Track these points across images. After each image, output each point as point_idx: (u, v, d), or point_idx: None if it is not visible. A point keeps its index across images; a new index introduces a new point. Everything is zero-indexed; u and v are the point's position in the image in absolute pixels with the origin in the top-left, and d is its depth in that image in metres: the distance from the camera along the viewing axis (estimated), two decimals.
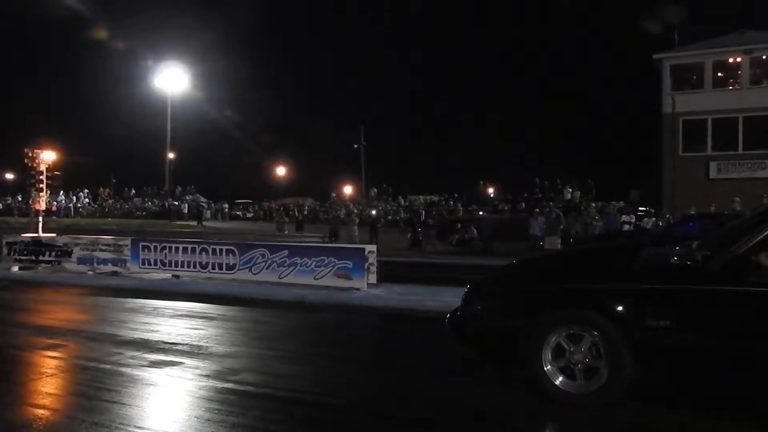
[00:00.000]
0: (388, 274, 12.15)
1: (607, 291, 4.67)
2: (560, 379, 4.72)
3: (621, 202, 29.78)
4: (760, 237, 4.32)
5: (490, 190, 43.52)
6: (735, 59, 30.05)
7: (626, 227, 20.78)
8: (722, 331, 4.29)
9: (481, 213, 29.65)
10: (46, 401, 5.01)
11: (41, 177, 16.32)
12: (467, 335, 5.35)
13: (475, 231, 26.01)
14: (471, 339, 5.35)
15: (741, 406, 4.62)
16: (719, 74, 30.75)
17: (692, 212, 17.28)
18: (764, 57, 29.68)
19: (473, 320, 5.26)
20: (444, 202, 41.49)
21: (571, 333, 4.70)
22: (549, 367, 4.74)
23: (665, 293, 4.47)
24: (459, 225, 27.38)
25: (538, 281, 5.21)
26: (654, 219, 22.70)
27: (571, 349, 4.68)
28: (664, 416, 4.58)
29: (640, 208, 27.33)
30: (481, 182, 43.42)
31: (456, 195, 42.27)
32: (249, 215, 48.23)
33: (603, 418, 4.53)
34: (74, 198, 51.20)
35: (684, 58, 30.89)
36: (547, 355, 4.74)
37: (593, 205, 26.02)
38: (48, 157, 16.39)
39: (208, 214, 45.42)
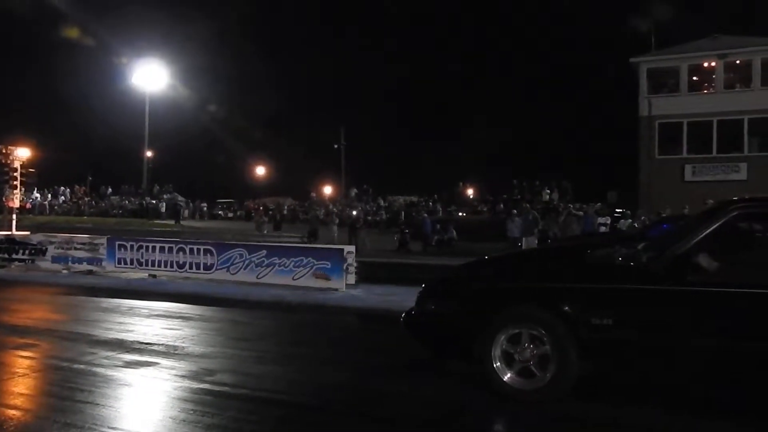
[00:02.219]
0: (366, 274, 12.16)
1: (554, 290, 4.84)
2: (509, 375, 4.85)
3: (599, 204, 30.13)
4: (698, 238, 4.51)
5: (470, 191, 43.76)
6: (710, 63, 30.61)
7: (602, 228, 21.01)
8: (661, 328, 4.47)
9: (425, 214, 30.15)
10: (18, 401, 4.94)
11: (15, 174, 16.12)
12: (422, 334, 5.51)
13: (454, 232, 26.15)
14: (425, 337, 5.51)
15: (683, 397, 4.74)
16: (694, 78, 31.31)
17: (665, 214, 17.54)
18: (737, 62, 30.27)
19: (426, 319, 5.40)
20: (424, 203, 41.61)
21: (519, 331, 4.84)
22: (498, 363, 4.87)
23: (608, 292, 4.65)
24: (438, 226, 27.51)
25: (488, 280, 5.34)
26: (630, 221, 23.01)
27: (520, 346, 4.82)
28: (611, 411, 4.73)
29: (617, 210, 27.68)
30: (461, 183, 43.63)
31: (435, 196, 42.41)
32: (230, 215, 47.94)
33: (552, 411, 4.65)
34: (50, 195, 50.48)
35: (660, 62, 31.39)
36: (497, 352, 4.87)
37: (571, 206, 26.35)
38: (22, 154, 16.21)
39: (186, 213, 45.02)
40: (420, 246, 25.19)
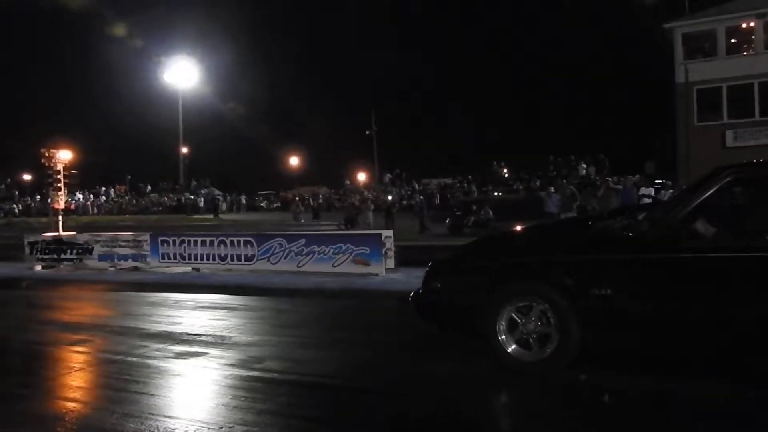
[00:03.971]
0: (405, 258, 12.17)
1: (554, 263, 4.91)
2: (513, 347, 4.98)
3: (637, 176, 29.54)
4: (693, 205, 4.51)
5: (504, 170, 43.34)
6: (748, 24, 29.51)
7: (644, 200, 20.58)
8: (659, 296, 4.49)
9: (420, 198, 30.33)
10: (77, 395, 5.12)
11: (59, 176, 16.52)
12: (428, 311, 5.65)
13: (490, 212, 25.95)
14: (432, 315, 5.63)
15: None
16: (732, 40, 30.24)
17: None
18: None
19: (433, 297, 5.54)
20: (458, 185, 41.39)
21: (522, 304, 4.95)
22: (503, 336, 5.00)
23: (605, 263, 4.70)
24: (474, 206, 27.32)
25: (492, 256, 5.44)
26: (672, 191, 22.50)
27: (523, 319, 4.93)
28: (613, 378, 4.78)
29: (657, 181, 27.08)
30: (494, 163, 43.22)
31: (470, 177, 42.12)
32: (269, 206, 48.62)
33: (556, 382, 4.74)
34: (91, 196, 51.77)
35: (695, 25, 30.37)
36: (501, 326, 5.00)
37: (609, 179, 25.81)
38: (64, 156, 16.58)
39: (223, 206, 45.71)
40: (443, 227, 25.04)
